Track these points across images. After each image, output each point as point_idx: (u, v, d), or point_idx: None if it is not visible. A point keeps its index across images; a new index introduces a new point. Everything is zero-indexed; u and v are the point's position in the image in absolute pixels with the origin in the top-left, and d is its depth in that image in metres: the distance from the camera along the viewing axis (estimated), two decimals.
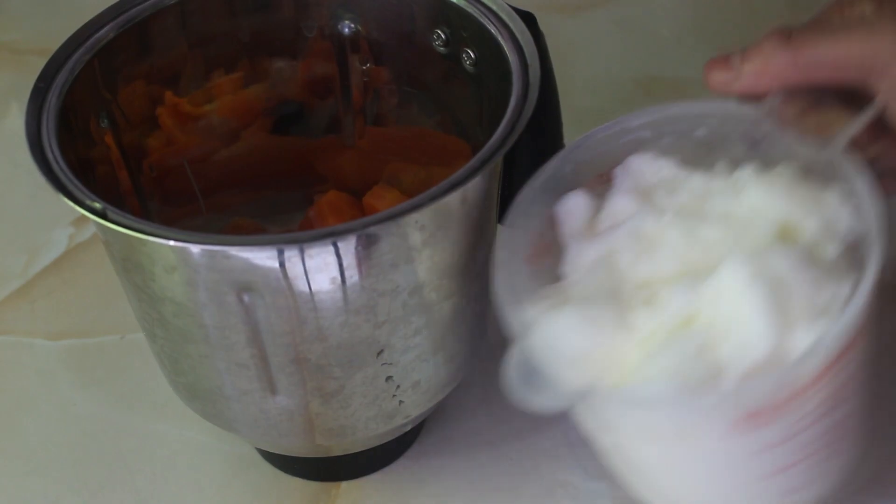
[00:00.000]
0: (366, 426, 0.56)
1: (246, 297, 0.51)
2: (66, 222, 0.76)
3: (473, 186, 0.51)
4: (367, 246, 0.50)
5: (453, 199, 0.50)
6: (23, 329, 0.70)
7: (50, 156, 0.52)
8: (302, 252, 0.49)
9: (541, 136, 0.55)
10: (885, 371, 0.65)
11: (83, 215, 0.75)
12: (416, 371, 0.55)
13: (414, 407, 0.57)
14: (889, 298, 0.68)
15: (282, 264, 0.49)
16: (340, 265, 0.50)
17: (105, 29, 0.58)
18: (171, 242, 0.49)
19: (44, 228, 0.76)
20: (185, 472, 0.63)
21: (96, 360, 0.68)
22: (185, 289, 0.51)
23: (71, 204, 0.50)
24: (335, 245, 0.49)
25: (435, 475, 0.62)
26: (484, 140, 0.52)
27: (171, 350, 0.55)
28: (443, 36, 0.59)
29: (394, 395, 0.55)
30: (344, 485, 0.61)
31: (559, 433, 0.63)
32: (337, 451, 0.58)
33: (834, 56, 0.50)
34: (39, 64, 0.56)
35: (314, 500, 0.61)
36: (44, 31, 0.88)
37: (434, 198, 0.49)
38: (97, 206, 0.50)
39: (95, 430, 0.65)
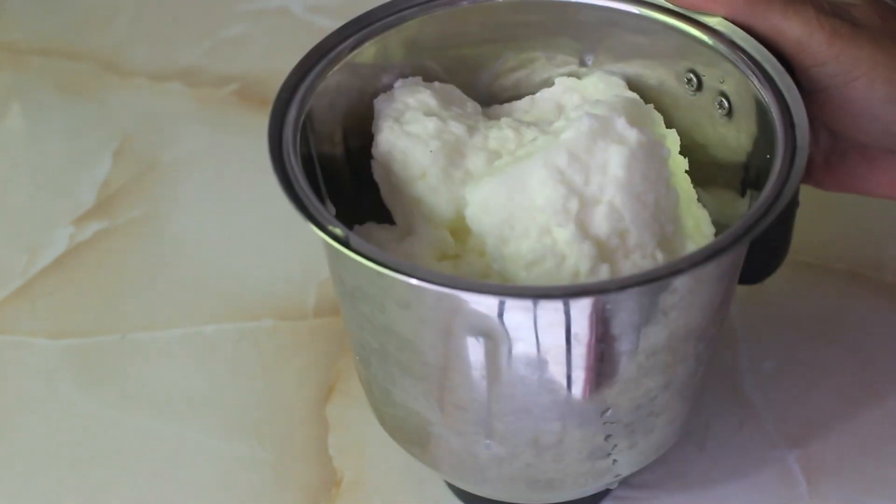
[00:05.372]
0: (574, 481, 0.55)
1: (480, 342, 0.49)
2: (66, 222, 0.76)
3: (731, 252, 0.49)
4: (616, 305, 0.48)
5: (711, 264, 0.48)
6: (23, 329, 0.70)
7: (291, 174, 0.50)
8: (547, 305, 0.47)
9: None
10: (884, 371, 0.65)
11: (82, 216, 0.75)
12: (637, 432, 0.53)
13: (626, 466, 0.55)
14: (889, 298, 0.68)
15: (525, 316, 0.48)
16: (586, 322, 0.48)
17: (349, 41, 0.56)
18: (414, 282, 0.47)
19: (44, 228, 0.76)
20: (185, 472, 0.63)
21: (97, 359, 0.68)
22: (415, 326, 0.50)
23: (314, 229, 0.48)
24: (585, 302, 0.47)
25: None
26: (726, 192, 0.51)
27: (385, 381, 0.54)
28: (695, 80, 0.57)
29: (608, 454, 0.54)
30: (343, 485, 0.61)
31: None
32: (538, 501, 0.57)
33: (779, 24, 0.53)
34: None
35: (314, 500, 0.61)
36: (44, 31, 0.88)
37: (694, 264, 0.47)
38: (339, 232, 0.48)
39: (95, 430, 0.65)
